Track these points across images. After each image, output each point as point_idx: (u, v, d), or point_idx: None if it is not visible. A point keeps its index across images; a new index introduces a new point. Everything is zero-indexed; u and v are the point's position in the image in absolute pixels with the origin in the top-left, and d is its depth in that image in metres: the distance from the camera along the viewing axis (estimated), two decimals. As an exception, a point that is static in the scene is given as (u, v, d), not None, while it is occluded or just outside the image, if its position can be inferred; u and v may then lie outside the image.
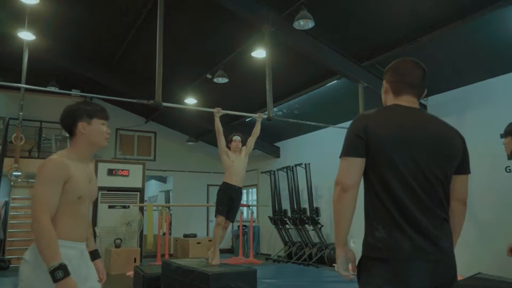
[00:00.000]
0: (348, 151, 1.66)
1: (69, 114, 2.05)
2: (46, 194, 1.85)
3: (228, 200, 5.32)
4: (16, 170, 8.46)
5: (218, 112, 5.30)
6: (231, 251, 11.55)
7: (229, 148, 5.41)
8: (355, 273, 1.68)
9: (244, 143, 5.53)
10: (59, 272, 1.75)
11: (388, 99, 1.83)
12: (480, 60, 5.94)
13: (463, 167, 1.74)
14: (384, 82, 1.86)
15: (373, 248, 1.60)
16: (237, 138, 5.45)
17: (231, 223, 5.65)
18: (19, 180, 8.76)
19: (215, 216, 5.36)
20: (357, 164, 1.64)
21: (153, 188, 14.39)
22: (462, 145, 1.73)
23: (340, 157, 1.69)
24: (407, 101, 1.77)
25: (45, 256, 1.78)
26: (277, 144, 11.23)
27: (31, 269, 1.85)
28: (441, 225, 1.63)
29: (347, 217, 1.65)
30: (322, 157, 9.31)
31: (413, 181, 1.59)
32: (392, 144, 1.61)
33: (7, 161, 8.45)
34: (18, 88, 7.80)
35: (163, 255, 8.40)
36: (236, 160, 5.34)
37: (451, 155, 1.69)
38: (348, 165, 1.65)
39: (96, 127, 2.06)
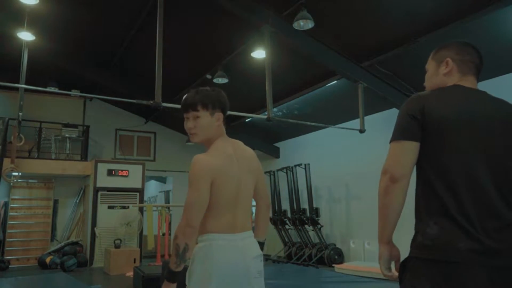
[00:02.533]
0: (402, 133, 1.42)
1: None
2: None
3: None
4: (12, 171, 8.39)
5: None
6: (230, 251, 11.53)
7: None
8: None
9: None
10: None
11: (451, 79, 1.58)
12: (480, 60, 5.94)
13: None
14: (448, 60, 1.61)
15: (422, 247, 1.36)
16: None
17: None
18: (14, 180, 8.73)
19: None
20: (412, 149, 1.41)
21: (152, 189, 14.40)
22: None
23: (391, 141, 1.46)
24: (472, 83, 1.58)
25: None
26: (276, 144, 11.22)
27: None
28: (509, 226, 1.35)
29: (396, 212, 1.41)
30: (322, 158, 9.31)
31: (477, 169, 1.37)
32: (454, 126, 1.39)
33: (7, 162, 8.44)
34: (18, 89, 7.80)
35: (162, 256, 8.39)
36: None
37: None
38: (401, 150, 1.42)
39: None
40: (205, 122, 1.85)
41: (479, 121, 1.41)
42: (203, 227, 1.78)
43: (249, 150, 1.98)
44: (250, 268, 1.78)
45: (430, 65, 1.69)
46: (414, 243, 1.41)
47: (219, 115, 1.88)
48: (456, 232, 1.31)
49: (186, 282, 1.76)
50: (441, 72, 1.61)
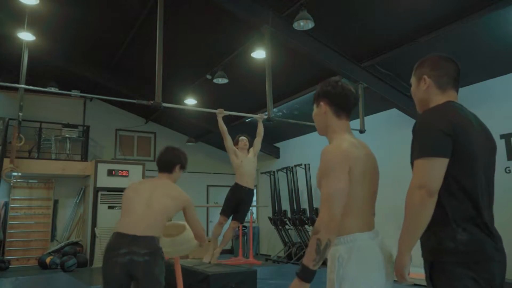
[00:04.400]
0: (437, 150, 1.51)
1: None
2: None
3: (236, 201, 5.32)
4: (11, 171, 8.39)
5: (220, 113, 5.29)
6: (231, 251, 11.54)
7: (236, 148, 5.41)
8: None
9: (250, 144, 5.53)
10: None
11: (432, 95, 1.72)
12: (479, 60, 5.94)
13: None
14: (424, 77, 1.74)
15: (455, 253, 1.51)
16: (243, 138, 5.46)
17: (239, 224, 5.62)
18: (14, 180, 8.72)
19: (220, 214, 5.39)
20: (445, 165, 1.52)
21: (153, 189, 14.37)
22: None
23: (423, 156, 1.53)
24: (455, 97, 1.72)
25: None
26: (277, 144, 11.22)
27: None
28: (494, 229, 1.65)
29: (427, 224, 1.53)
30: (322, 158, 9.30)
31: (484, 181, 1.60)
32: (474, 144, 1.56)
33: (7, 162, 8.44)
34: (18, 89, 7.80)
35: (162, 256, 8.38)
36: (244, 160, 5.32)
37: (495, 152, 1.74)
38: (435, 166, 1.50)
39: None
40: (314, 113, 1.88)
41: (483, 146, 1.62)
42: (343, 227, 1.63)
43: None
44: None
45: (412, 81, 1.83)
46: (442, 247, 1.54)
47: (323, 105, 1.82)
48: (482, 237, 1.54)
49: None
50: (421, 89, 1.76)
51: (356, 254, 1.62)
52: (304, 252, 8.86)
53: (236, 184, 5.35)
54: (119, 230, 2.66)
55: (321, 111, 1.82)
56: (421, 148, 1.55)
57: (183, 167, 3.04)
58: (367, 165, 1.72)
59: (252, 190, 5.47)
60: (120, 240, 2.59)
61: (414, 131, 1.62)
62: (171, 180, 2.96)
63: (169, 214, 2.79)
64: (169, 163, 2.99)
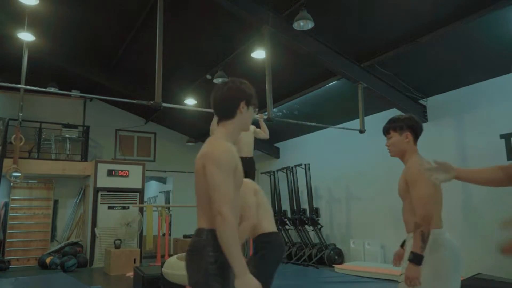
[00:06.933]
0: None
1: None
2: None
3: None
4: (15, 171, 8.46)
5: (261, 117, 5.52)
6: (231, 251, 11.55)
7: None
8: None
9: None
10: None
11: None
12: (479, 60, 5.94)
13: None
14: None
15: None
16: None
17: None
18: (18, 181, 8.76)
19: None
20: None
21: (153, 189, 14.39)
22: None
23: None
24: None
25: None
26: (276, 144, 11.22)
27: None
28: None
29: None
30: (322, 158, 9.31)
31: None
32: None
33: (7, 162, 8.45)
34: (18, 89, 7.80)
35: (163, 256, 8.38)
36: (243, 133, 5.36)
37: None
38: None
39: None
40: (395, 140, 2.40)
41: None
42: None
43: None
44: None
45: None
46: None
47: (408, 134, 2.36)
48: None
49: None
50: None
51: (432, 245, 2.11)
52: (304, 252, 8.87)
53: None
54: None
55: (404, 139, 2.35)
56: None
57: (249, 103, 2.01)
58: None
59: (252, 158, 5.32)
60: None
61: None
62: (223, 133, 1.98)
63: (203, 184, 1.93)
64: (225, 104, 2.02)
